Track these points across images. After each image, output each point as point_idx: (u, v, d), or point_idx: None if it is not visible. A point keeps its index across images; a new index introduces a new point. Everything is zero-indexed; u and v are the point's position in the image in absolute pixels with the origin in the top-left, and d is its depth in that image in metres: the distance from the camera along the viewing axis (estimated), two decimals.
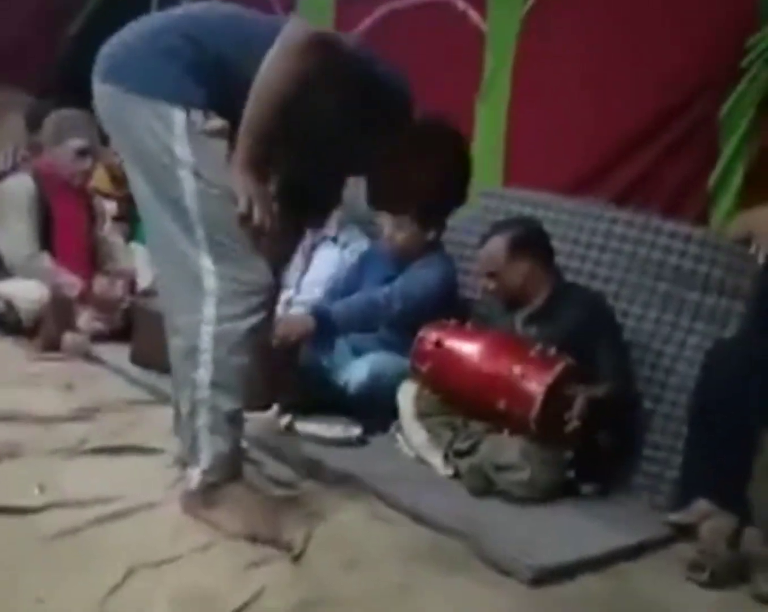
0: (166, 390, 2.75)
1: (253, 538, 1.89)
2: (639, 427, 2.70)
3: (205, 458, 1.92)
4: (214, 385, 1.89)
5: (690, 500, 2.33)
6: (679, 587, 2.13)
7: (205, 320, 1.88)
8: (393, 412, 2.73)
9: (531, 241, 2.76)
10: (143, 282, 3.52)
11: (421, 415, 2.63)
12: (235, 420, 1.95)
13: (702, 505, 2.29)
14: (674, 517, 2.35)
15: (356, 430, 2.67)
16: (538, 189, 3.21)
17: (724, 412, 2.33)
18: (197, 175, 1.89)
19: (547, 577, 1.99)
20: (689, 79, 3.03)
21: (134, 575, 1.66)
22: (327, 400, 2.81)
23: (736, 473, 2.30)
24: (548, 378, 2.43)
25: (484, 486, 2.40)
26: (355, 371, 2.85)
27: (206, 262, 1.89)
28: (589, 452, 2.47)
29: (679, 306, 2.78)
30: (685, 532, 2.31)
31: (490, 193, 3.33)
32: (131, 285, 3.51)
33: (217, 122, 1.93)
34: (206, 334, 1.88)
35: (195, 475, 1.94)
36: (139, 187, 1.97)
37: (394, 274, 3.06)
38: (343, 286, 3.24)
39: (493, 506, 2.36)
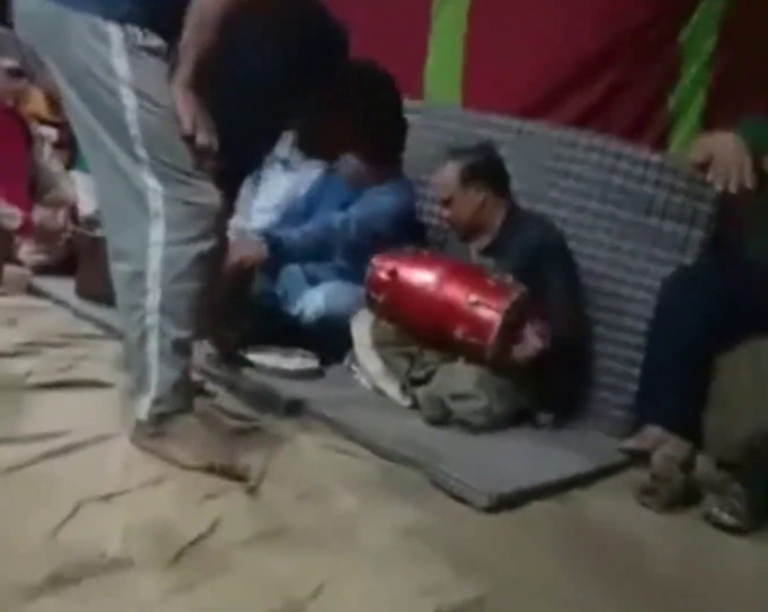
0: (113, 323, 2.69)
1: (207, 470, 1.86)
2: (596, 354, 2.70)
3: (155, 387, 1.87)
4: (163, 310, 1.83)
5: (644, 426, 2.35)
6: (632, 511, 2.16)
7: (153, 243, 1.80)
8: (348, 342, 2.69)
9: (485, 169, 2.72)
10: (86, 210, 3.41)
11: (377, 344, 2.61)
12: (184, 348, 1.89)
13: (655, 431, 2.32)
14: (628, 443, 2.38)
15: (313, 362, 2.64)
16: (497, 110, 3.14)
17: (679, 340, 2.34)
18: (138, 92, 1.81)
19: (502, 504, 2.00)
20: (650, 1, 2.98)
21: (85, 508, 1.63)
22: (280, 329, 2.75)
23: (690, 400, 2.32)
24: (504, 305, 2.42)
25: (441, 415, 2.40)
26: (310, 301, 2.79)
27: (152, 183, 1.81)
28: (544, 381, 2.47)
29: (639, 233, 2.76)
30: (638, 457, 2.34)
31: (448, 114, 3.25)
32: (73, 214, 3.38)
33: (154, 40, 1.85)
34: (154, 258, 1.80)
35: (144, 405, 1.89)
36: (77, 108, 1.88)
37: (350, 199, 3.00)
38: (299, 211, 3.17)
39: (449, 435, 2.36)
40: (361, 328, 2.66)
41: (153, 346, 1.84)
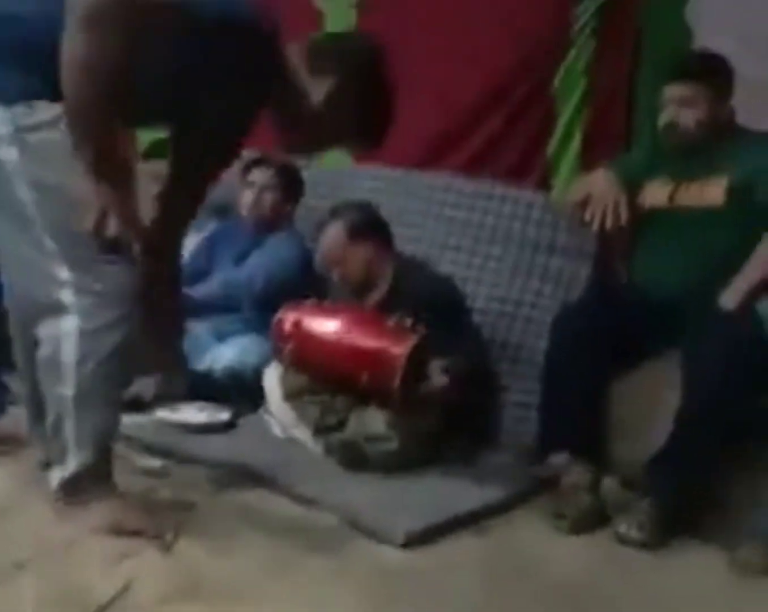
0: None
1: (119, 531, 1.81)
2: (499, 387, 2.77)
3: (71, 467, 1.82)
4: (78, 398, 1.78)
5: (549, 454, 2.41)
6: (546, 537, 2.20)
7: (65, 335, 1.75)
8: (260, 394, 2.69)
9: (369, 224, 2.78)
10: None
11: (288, 395, 2.60)
12: (102, 432, 1.85)
13: (560, 458, 2.37)
14: (534, 471, 2.43)
15: (224, 415, 2.62)
16: (386, 162, 3.22)
17: (571, 374, 2.41)
18: (32, 181, 1.72)
19: (418, 538, 2.02)
20: (523, 52, 3.14)
21: None
22: (188, 385, 2.71)
23: (590, 427, 2.41)
24: (406, 347, 2.46)
25: (356, 459, 2.41)
26: (221, 355, 2.79)
27: (62, 274, 1.74)
28: (452, 416, 2.51)
29: (527, 271, 2.86)
30: (547, 484, 2.39)
31: (338, 172, 3.32)
32: None
33: (44, 112, 1.71)
34: (67, 349, 1.76)
35: (56, 476, 1.84)
36: None
37: (246, 249, 3.01)
38: (192, 270, 3.16)
39: (364, 479, 2.36)
40: (272, 378, 2.66)
41: (69, 430, 1.80)
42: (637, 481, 2.34)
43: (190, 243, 3.28)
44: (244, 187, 3.12)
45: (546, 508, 2.31)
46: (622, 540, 2.19)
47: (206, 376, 2.77)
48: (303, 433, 2.54)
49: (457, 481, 2.39)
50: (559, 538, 2.21)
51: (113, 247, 1.76)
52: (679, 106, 2.52)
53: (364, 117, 1.98)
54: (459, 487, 2.35)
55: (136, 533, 1.82)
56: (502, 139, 3.21)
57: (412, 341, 2.47)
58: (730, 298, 2.37)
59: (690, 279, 2.44)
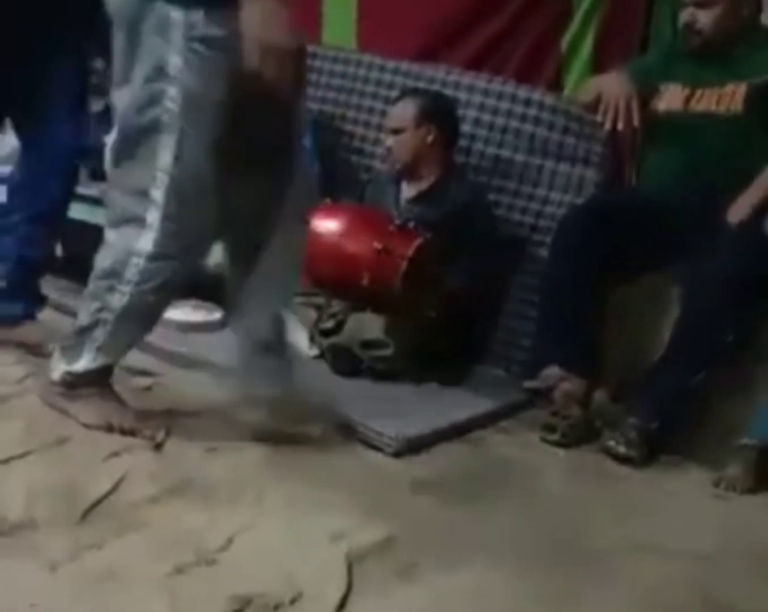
0: None
1: (110, 428, 1.84)
2: (497, 297, 2.74)
3: (81, 367, 1.87)
4: (125, 315, 1.84)
5: (543, 367, 2.40)
6: (534, 448, 2.23)
7: (136, 254, 1.80)
8: None
9: (443, 116, 2.74)
10: None
11: None
12: (131, 345, 1.93)
13: (553, 371, 2.37)
14: (528, 384, 2.43)
15: (217, 314, 2.61)
16: (391, 53, 3.12)
17: (573, 280, 2.38)
18: (186, 95, 1.74)
19: (409, 447, 2.04)
20: None
21: None
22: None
23: (586, 339, 2.39)
24: (410, 250, 2.44)
25: (350, 364, 2.41)
26: (213, 251, 2.74)
27: (157, 195, 1.78)
28: (451, 326, 2.50)
29: (535, 176, 2.80)
30: (539, 396, 2.41)
31: (344, 59, 3.21)
32: None
33: (218, 28, 1.72)
34: (133, 268, 1.81)
35: (60, 369, 1.89)
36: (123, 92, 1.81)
37: None
38: None
39: (357, 384, 2.38)
40: None
41: (100, 336, 1.85)
42: (628, 395, 2.35)
43: None
44: None
45: (536, 421, 2.33)
46: (610, 454, 2.21)
47: (200, 274, 2.73)
48: (298, 336, 2.53)
49: (450, 391, 2.41)
50: (547, 450, 2.23)
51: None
52: (696, 7, 2.44)
53: None
54: (451, 396, 2.38)
55: (128, 432, 1.85)
56: (513, 34, 3.08)
57: (414, 244, 2.45)
58: (736, 212, 2.33)
59: (700, 188, 2.39)
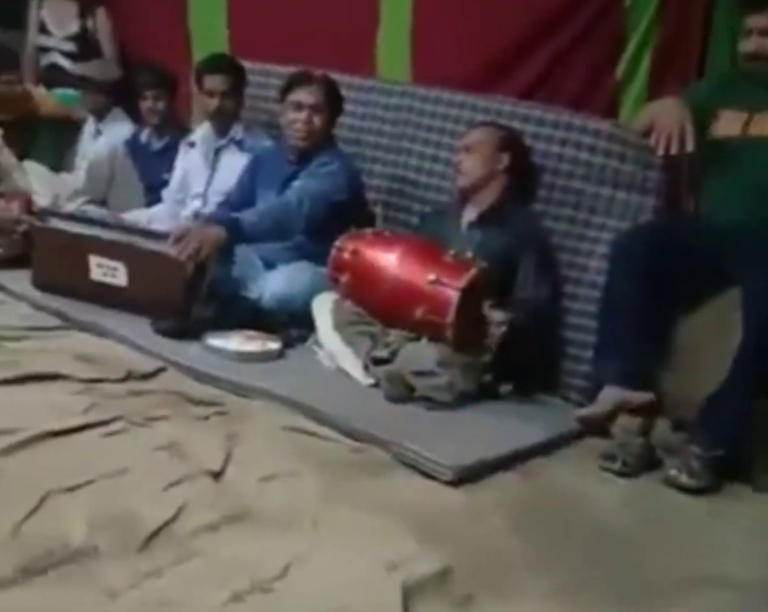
0: (71, 314, 2.67)
1: None
2: (556, 325, 2.72)
3: None
4: None
5: (601, 388, 2.36)
6: (593, 478, 2.19)
7: None
8: (309, 324, 2.69)
9: (521, 151, 2.82)
10: (41, 201, 3.36)
11: (339, 325, 2.60)
12: None
13: (611, 391, 2.33)
14: (583, 411, 2.39)
15: (275, 344, 2.63)
16: (444, 82, 3.14)
17: (632, 299, 2.36)
18: None
19: (465, 476, 2.02)
20: None
21: (49, 500, 1.64)
22: (238, 313, 2.71)
23: (645, 360, 2.35)
24: (462, 282, 2.44)
25: (403, 392, 2.41)
26: (271, 283, 2.77)
27: None
28: (506, 355, 2.49)
29: (592, 203, 2.78)
30: (592, 426, 2.36)
31: (397, 91, 3.25)
32: (28, 205, 3.33)
33: None
34: None
35: None
36: None
37: (290, 175, 2.97)
38: (236, 195, 3.12)
39: (412, 412, 2.37)
40: (323, 309, 2.66)
41: None
42: (690, 423, 2.30)
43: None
44: (287, 108, 2.98)
45: (594, 450, 2.28)
46: (672, 484, 2.16)
47: (255, 305, 2.76)
48: (353, 365, 2.54)
49: (506, 419, 2.37)
50: (606, 480, 2.19)
51: None
52: (763, 36, 2.42)
53: None
54: (507, 425, 2.34)
55: None
56: (568, 61, 3.09)
57: (468, 277, 2.45)
58: None
59: (759, 213, 2.36)
